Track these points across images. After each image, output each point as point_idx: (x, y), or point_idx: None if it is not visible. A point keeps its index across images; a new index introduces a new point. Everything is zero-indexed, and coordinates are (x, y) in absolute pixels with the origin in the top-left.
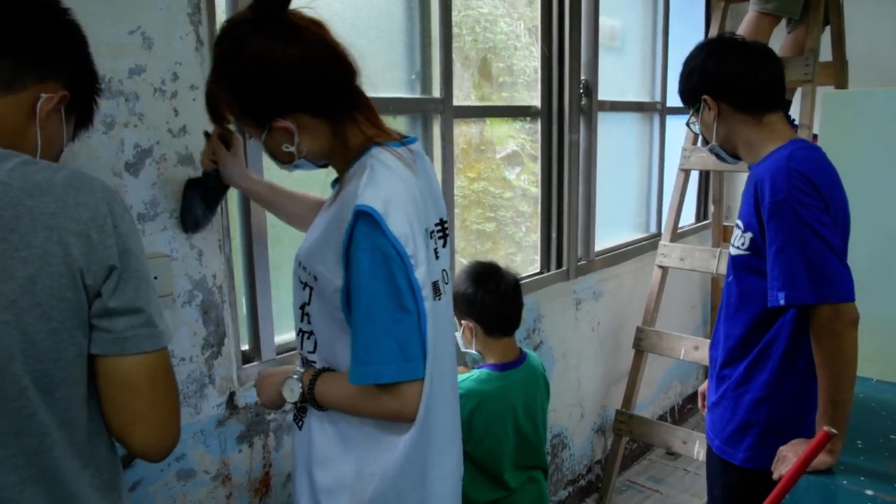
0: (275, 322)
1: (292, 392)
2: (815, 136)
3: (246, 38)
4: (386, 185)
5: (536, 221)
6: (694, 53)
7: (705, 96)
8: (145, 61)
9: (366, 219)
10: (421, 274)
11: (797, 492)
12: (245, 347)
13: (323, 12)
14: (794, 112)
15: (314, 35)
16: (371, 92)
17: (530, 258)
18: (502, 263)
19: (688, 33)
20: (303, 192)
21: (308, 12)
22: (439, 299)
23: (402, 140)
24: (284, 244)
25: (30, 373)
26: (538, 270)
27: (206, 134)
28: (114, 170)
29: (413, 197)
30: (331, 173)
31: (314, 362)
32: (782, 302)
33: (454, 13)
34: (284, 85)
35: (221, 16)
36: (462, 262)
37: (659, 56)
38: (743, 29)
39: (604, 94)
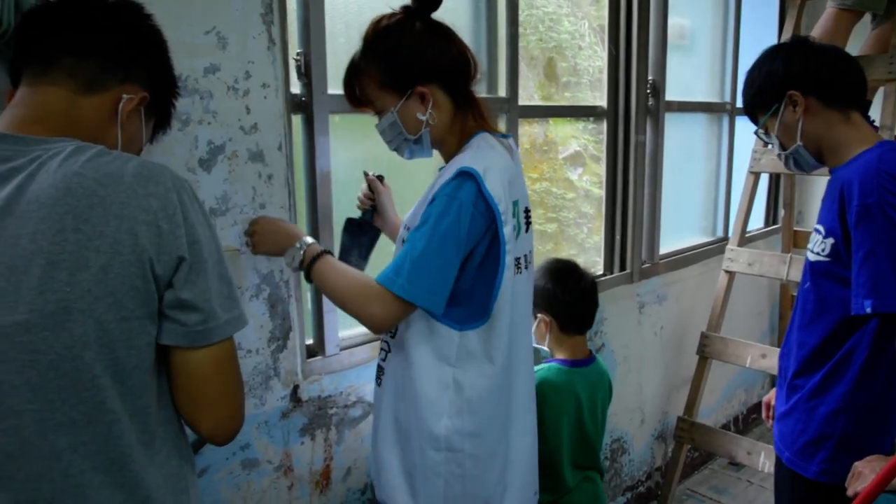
0: (339, 317)
1: (293, 259)
2: None
3: (403, 20)
4: (488, 157)
5: (599, 223)
6: (769, 55)
7: (792, 91)
8: (220, 60)
9: (465, 176)
10: (508, 231)
11: None
12: (309, 342)
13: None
14: (874, 113)
15: (454, 33)
16: None
17: (592, 260)
18: None
19: (760, 31)
20: None
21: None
22: (520, 273)
23: (503, 134)
24: None
25: (102, 361)
26: (601, 272)
27: (365, 174)
28: (188, 165)
29: (510, 172)
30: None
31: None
32: (868, 310)
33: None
34: (430, 56)
35: (292, 16)
36: None
37: (729, 55)
38: (821, 26)
39: (671, 94)
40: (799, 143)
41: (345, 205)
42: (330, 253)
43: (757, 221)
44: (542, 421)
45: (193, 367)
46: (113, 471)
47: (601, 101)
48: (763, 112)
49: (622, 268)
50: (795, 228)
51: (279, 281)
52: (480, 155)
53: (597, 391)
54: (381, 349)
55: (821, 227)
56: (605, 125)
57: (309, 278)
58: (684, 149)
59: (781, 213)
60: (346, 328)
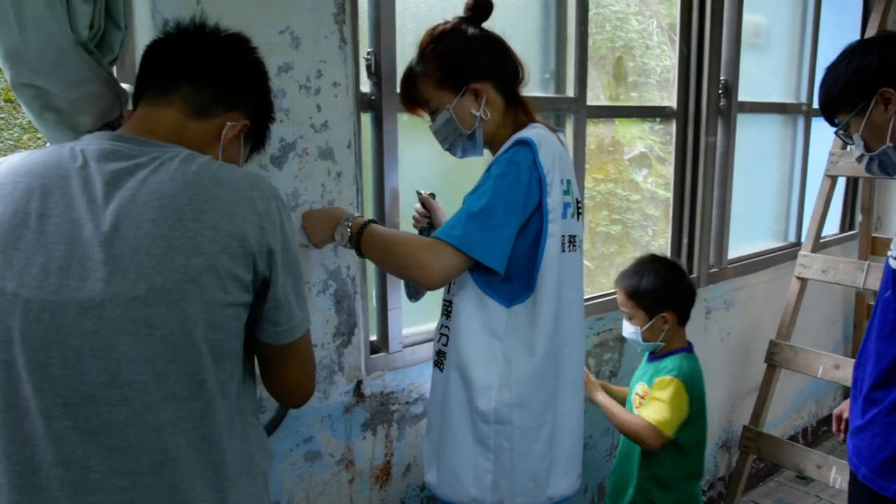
0: (403, 315)
1: (342, 237)
2: None
3: (457, 25)
4: (539, 133)
5: (664, 225)
6: (859, 49)
7: (886, 89)
8: (293, 59)
9: (521, 144)
10: (552, 201)
11: None
12: (373, 338)
13: (459, 10)
14: None
15: (504, 40)
16: None
17: None
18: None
19: (840, 29)
20: None
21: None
22: (572, 251)
23: (554, 129)
24: None
25: (206, 341)
26: None
27: (418, 193)
28: (260, 162)
29: (560, 152)
30: None
31: (451, 298)
32: None
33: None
34: (484, 56)
35: (364, 15)
36: (587, 265)
37: (807, 53)
38: None
39: (744, 94)
40: (889, 144)
41: (411, 200)
42: (376, 222)
43: (832, 227)
44: (699, 408)
45: (279, 358)
46: (204, 449)
47: (669, 101)
48: (846, 111)
49: (689, 272)
50: (874, 234)
51: (346, 277)
52: (533, 132)
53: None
54: (442, 334)
55: None
56: (673, 126)
57: (360, 252)
58: (756, 150)
59: (859, 218)
60: (409, 325)
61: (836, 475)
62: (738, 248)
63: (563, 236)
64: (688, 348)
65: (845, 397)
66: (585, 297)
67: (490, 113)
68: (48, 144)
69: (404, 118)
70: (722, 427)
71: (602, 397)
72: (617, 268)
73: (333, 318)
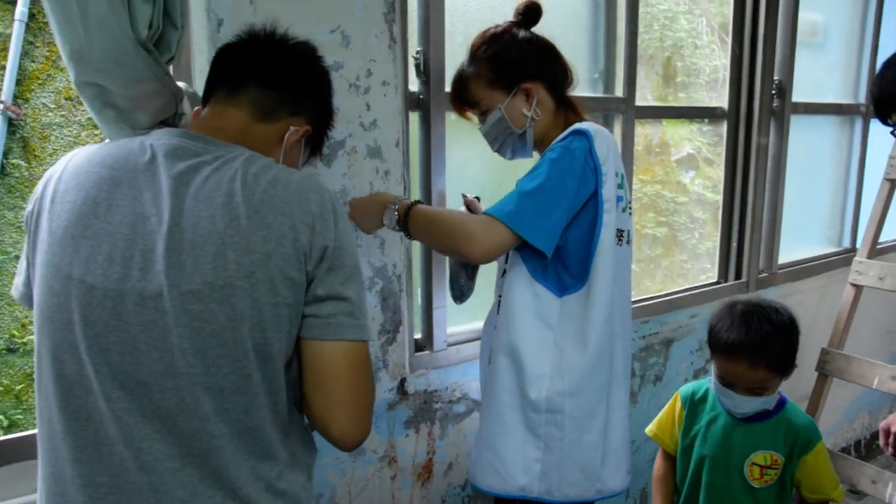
0: (447, 313)
1: (391, 220)
2: None
3: (509, 28)
4: (596, 126)
5: (711, 228)
6: None
7: None
8: (343, 58)
9: (578, 133)
10: (607, 192)
11: None
12: (417, 336)
13: (511, 7)
14: None
15: (553, 44)
16: None
17: (703, 266)
18: (675, 270)
19: None
20: None
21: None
22: (625, 245)
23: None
24: None
25: (253, 338)
26: (714, 280)
27: (463, 196)
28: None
29: (615, 147)
30: None
31: (505, 271)
32: None
33: None
34: (535, 57)
35: (413, 15)
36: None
37: (867, 52)
38: None
39: (799, 94)
40: None
41: (456, 203)
42: (422, 202)
43: (890, 232)
44: None
45: (324, 361)
46: (247, 439)
47: (719, 101)
48: None
49: (737, 276)
50: None
51: (392, 275)
52: (588, 124)
53: None
54: (495, 326)
55: None
56: (724, 127)
57: (409, 233)
58: (811, 152)
59: None
60: (454, 324)
61: (893, 491)
62: (789, 252)
63: (618, 229)
64: (784, 397)
65: None
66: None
67: (541, 113)
68: (107, 140)
69: (452, 117)
70: None
71: None
72: (663, 271)
73: (379, 316)
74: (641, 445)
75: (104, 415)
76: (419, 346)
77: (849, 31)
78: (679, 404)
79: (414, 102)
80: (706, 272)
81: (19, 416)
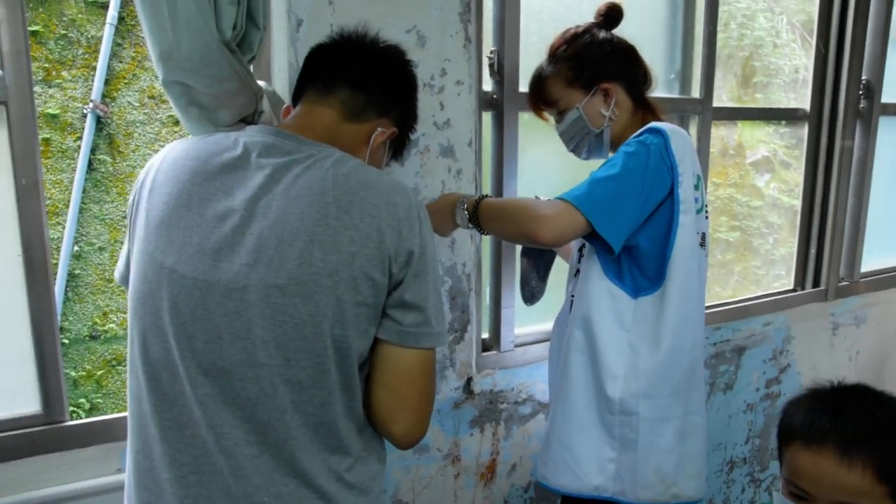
0: (515, 314)
1: (462, 218)
2: None
3: (589, 29)
4: (672, 126)
5: (787, 234)
6: None
7: None
8: (418, 57)
9: (653, 131)
10: (684, 192)
11: None
12: (485, 336)
13: (586, 7)
14: None
15: (633, 46)
16: None
17: (777, 273)
18: (749, 276)
19: None
20: None
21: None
22: (702, 249)
23: None
24: None
25: (333, 335)
26: (791, 287)
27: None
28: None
29: (692, 148)
30: None
31: (578, 270)
32: None
33: None
34: (615, 58)
35: (488, 14)
36: None
37: None
38: None
39: (889, 95)
40: None
41: None
42: (489, 196)
43: None
44: None
45: (404, 365)
46: (322, 432)
47: (799, 102)
48: None
49: (815, 284)
50: None
51: (461, 274)
52: (664, 124)
53: None
54: (566, 325)
55: None
56: (804, 129)
57: (481, 228)
58: None
59: None
60: (522, 325)
61: None
62: (872, 260)
63: (696, 232)
64: None
65: None
66: None
67: (618, 113)
68: (189, 137)
69: (525, 117)
70: None
71: None
72: (735, 277)
73: (447, 315)
74: (710, 454)
75: (189, 399)
76: (486, 346)
77: None
78: None
79: (487, 102)
80: (780, 279)
81: (99, 400)
